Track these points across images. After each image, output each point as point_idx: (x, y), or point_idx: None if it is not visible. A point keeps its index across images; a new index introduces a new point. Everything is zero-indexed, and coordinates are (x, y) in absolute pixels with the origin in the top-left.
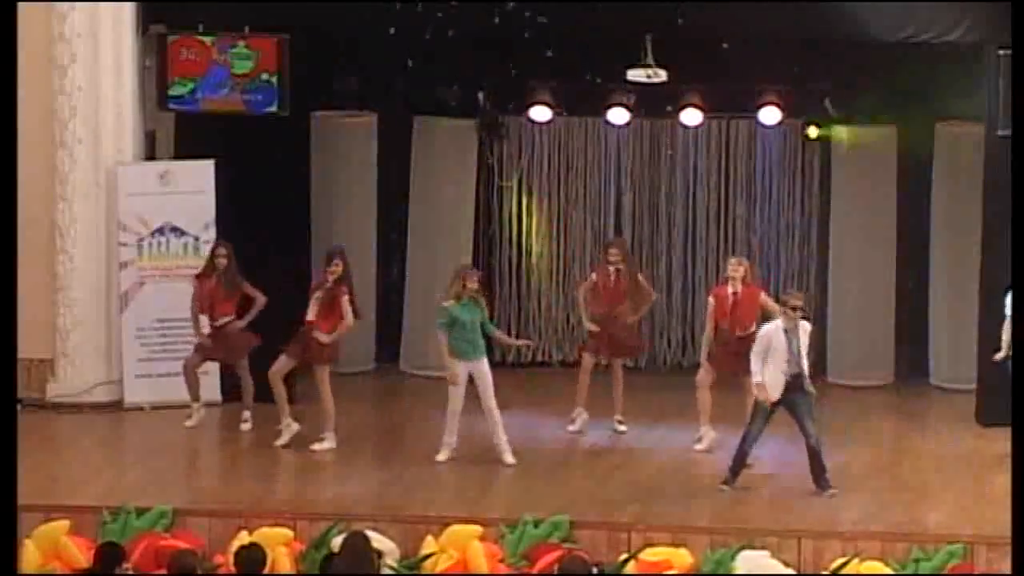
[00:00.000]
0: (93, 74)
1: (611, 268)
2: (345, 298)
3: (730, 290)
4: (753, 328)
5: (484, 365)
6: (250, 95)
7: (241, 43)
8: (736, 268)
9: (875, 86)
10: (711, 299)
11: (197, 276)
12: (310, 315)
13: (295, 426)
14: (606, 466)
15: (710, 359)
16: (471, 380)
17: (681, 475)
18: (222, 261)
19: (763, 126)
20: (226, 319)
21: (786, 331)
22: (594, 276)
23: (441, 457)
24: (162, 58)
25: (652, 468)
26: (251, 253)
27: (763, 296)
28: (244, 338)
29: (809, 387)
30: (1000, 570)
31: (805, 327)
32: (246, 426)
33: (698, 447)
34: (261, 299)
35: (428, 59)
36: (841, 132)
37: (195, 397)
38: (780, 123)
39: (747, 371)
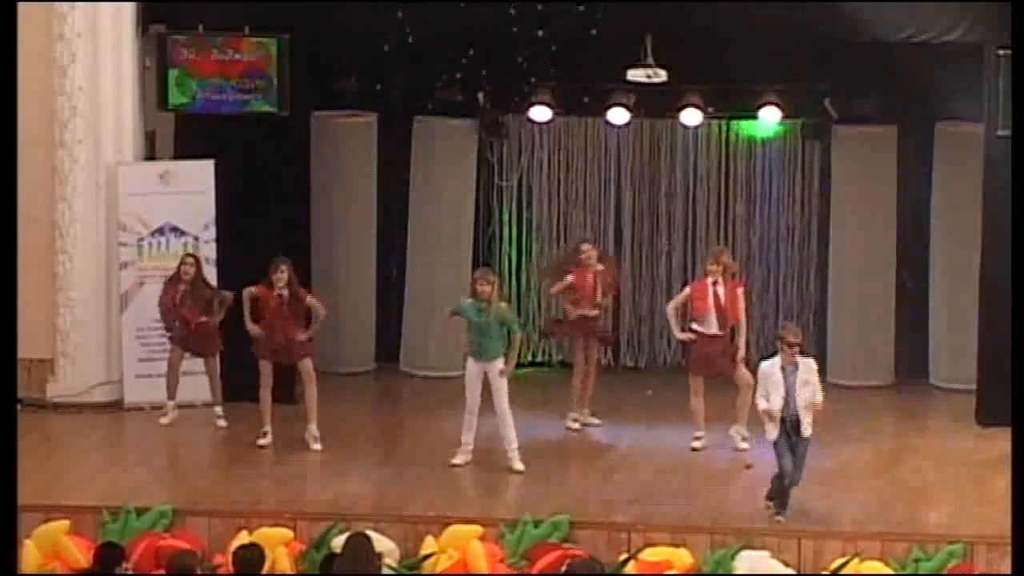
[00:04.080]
0: (93, 74)
1: (584, 268)
2: (310, 297)
3: (710, 281)
4: (736, 331)
5: (496, 367)
6: (250, 95)
7: (241, 43)
8: (716, 267)
9: (875, 86)
10: (688, 289)
11: (167, 281)
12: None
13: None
14: (606, 466)
15: (690, 365)
16: (486, 380)
17: (681, 475)
18: (189, 271)
19: (763, 126)
20: (197, 319)
21: (783, 368)
22: (571, 278)
23: (457, 460)
24: (162, 58)
25: (652, 468)
26: (251, 253)
27: (740, 292)
28: (216, 339)
29: (806, 431)
30: (1000, 570)
31: (809, 365)
32: (222, 423)
33: (695, 444)
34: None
35: (428, 59)
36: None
37: (171, 396)
38: (780, 123)
39: (729, 367)
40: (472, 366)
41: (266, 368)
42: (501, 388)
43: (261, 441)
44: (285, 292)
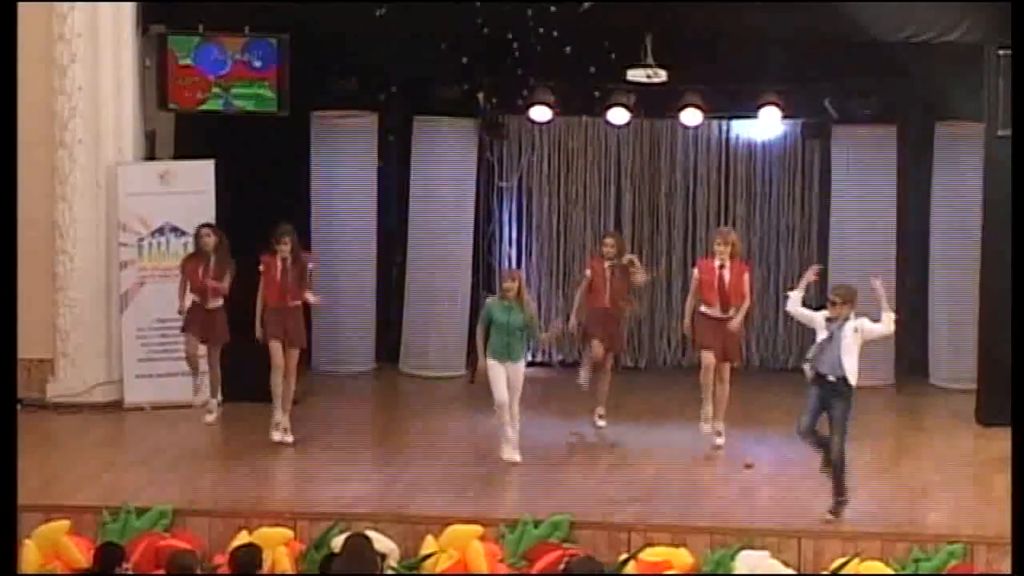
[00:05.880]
0: (93, 74)
1: (606, 263)
2: (311, 265)
3: (717, 263)
4: (738, 310)
5: (518, 368)
6: (250, 95)
7: (241, 43)
8: (724, 248)
9: (875, 86)
10: (695, 271)
11: (186, 260)
12: (278, 296)
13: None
14: (606, 466)
15: (696, 343)
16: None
17: (681, 475)
18: (208, 241)
19: (763, 126)
20: (216, 303)
21: (828, 320)
22: (588, 272)
23: (508, 455)
24: (162, 58)
25: (652, 468)
26: (251, 253)
27: (746, 276)
28: (225, 329)
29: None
30: (1000, 570)
31: (865, 325)
32: (210, 417)
33: (704, 428)
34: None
35: (428, 59)
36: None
37: (195, 370)
38: (780, 123)
39: (729, 359)
40: (496, 365)
41: (276, 351)
42: (518, 390)
43: (275, 434)
44: (288, 257)
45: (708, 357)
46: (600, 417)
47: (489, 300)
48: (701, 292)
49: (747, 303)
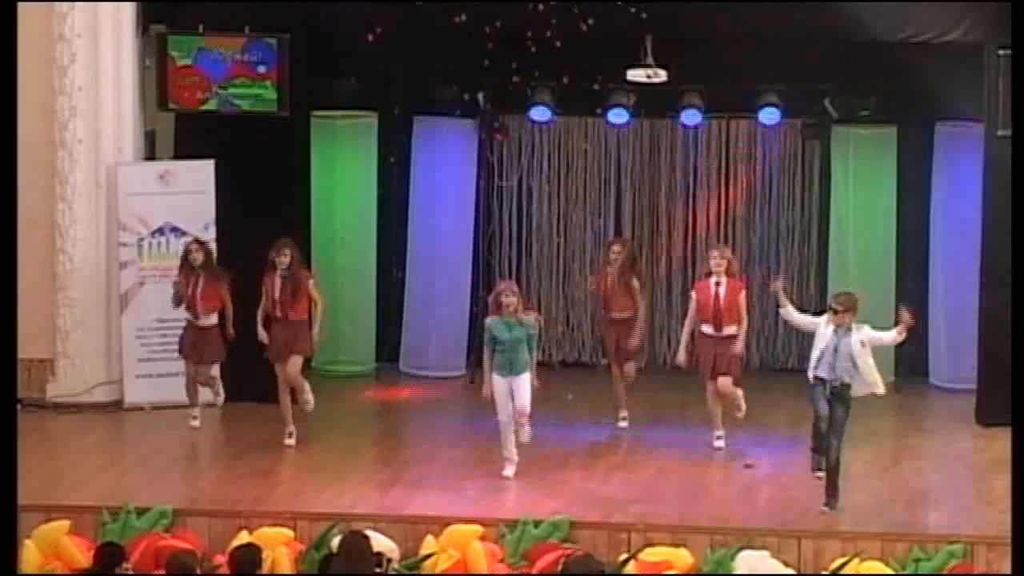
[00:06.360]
0: (93, 74)
1: (609, 268)
2: (311, 281)
3: (712, 280)
4: (735, 329)
5: (522, 380)
6: (249, 95)
7: (241, 43)
8: (720, 261)
9: (875, 86)
10: (693, 293)
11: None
12: (277, 311)
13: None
14: (606, 466)
15: (690, 362)
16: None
17: (681, 475)
18: (198, 256)
19: (763, 126)
20: (208, 321)
21: (835, 330)
22: (598, 279)
23: (508, 472)
24: (162, 58)
25: (652, 468)
26: (251, 253)
27: (742, 295)
28: (220, 346)
29: (879, 386)
30: (1000, 570)
31: (871, 335)
32: (219, 400)
33: (717, 444)
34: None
35: (428, 59)
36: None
37: (194, 403)
38: (780, 123)
39: (724, 374)
40: (500, 380)
41: (281, 371)
42: (527, 406)
43: (287, 441)
44: (287, 273)
45: (712, 387)
46: (623, 419)
47: (488, 321)
48: (698, 312)
49: (744, 324)
